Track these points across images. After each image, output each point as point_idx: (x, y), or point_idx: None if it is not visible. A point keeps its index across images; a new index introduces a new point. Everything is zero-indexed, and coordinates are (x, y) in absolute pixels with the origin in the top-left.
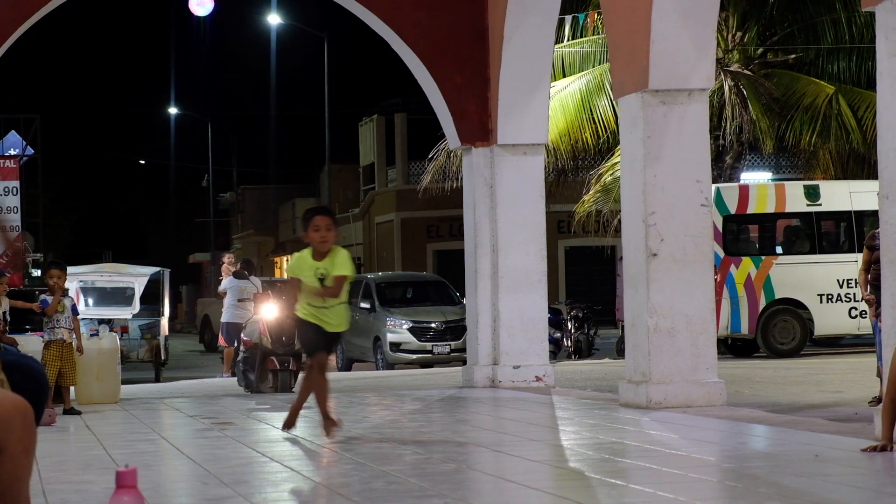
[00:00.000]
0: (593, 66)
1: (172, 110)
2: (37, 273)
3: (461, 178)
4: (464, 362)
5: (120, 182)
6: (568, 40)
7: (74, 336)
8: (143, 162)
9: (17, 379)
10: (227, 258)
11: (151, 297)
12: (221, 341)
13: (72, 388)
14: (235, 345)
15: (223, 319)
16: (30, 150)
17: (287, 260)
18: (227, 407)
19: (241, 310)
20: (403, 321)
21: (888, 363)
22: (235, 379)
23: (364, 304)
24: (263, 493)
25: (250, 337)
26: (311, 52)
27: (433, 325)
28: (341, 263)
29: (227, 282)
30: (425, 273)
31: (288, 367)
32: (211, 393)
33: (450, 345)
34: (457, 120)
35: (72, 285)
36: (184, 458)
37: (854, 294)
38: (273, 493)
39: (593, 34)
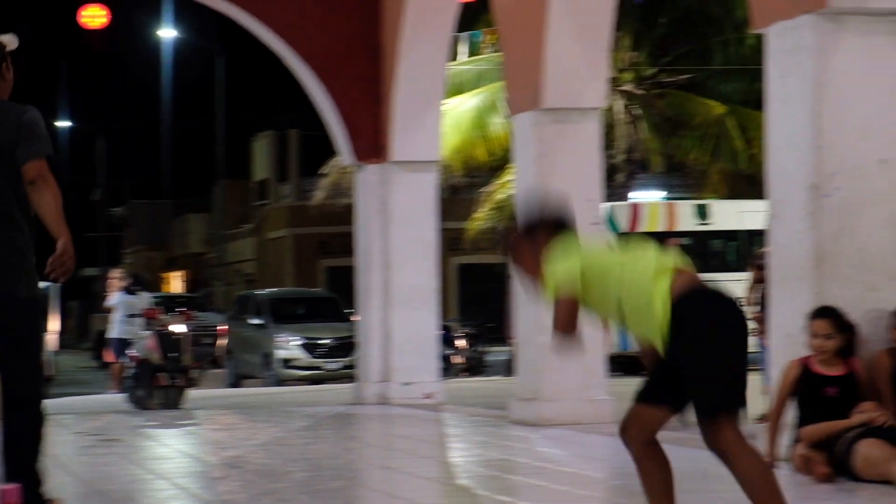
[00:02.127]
0: (488, 84)
1: (62, 123)
2: None
3: (354, 195)
4: (355, 379)
5: None
6: (463, 58)
7: None
8: None
9: None
10: (117, 274)
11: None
12: (109, 357)
13: None
14: (124, 360)
15: (112, 335)
16: None
17: (182, 280)
18: (115, 423)
19: (130, 325)
20: (294, 337)
21: (775, 381)
22: (125, 395)
23: (255, 321)
24: None
25: (139, 352)
26: (205, 67)
27: (324, 341)
28: None
29: (116, 297)
30: (317, 289)
31: (177, 384)
32: (99, 409)
33: (340, 361)
34: (350, 136)
35: None
36: (69, 475)
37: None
38: None
39: (488, 52)
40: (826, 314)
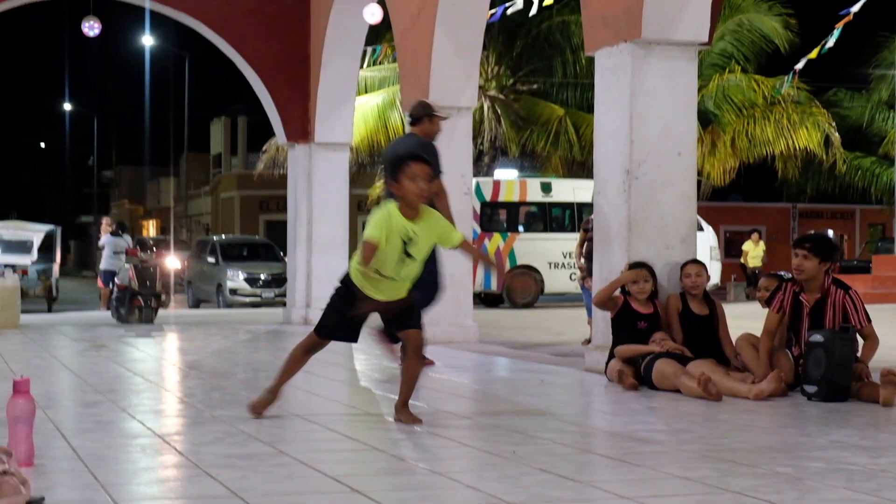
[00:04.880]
0: (388, 87)
1: (67, 106)
2: None
3: (287, 167)
4: (285, 304)
5: (24, 159)
6: (368, 66)
7: None
8: (43, 144)
9: None
10: (106, 221)
11: (46, 248)
12: (99, 283)
13: None
14: (111, 286)
15: (101, 267)
16: None
17: (154, 227)
18: (103, 334)
19: (115, 260)
20: (240, 272)
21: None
22: (110, 312)
23: (210, 259)
24: (128, 399)
25: (122, 281)
26: (176, 67)
27: (262, 276)
28: (442, 228)
29: (105, 238)
30: (258, 237)
31: (150, 305)
32: (91, 323)
33: (274, 291)
34: (285, 123)
35: None
36: (68, 371)
37: (573, 263)
38: (135, 400)
39: (387, 62)
40: (644, 265)
